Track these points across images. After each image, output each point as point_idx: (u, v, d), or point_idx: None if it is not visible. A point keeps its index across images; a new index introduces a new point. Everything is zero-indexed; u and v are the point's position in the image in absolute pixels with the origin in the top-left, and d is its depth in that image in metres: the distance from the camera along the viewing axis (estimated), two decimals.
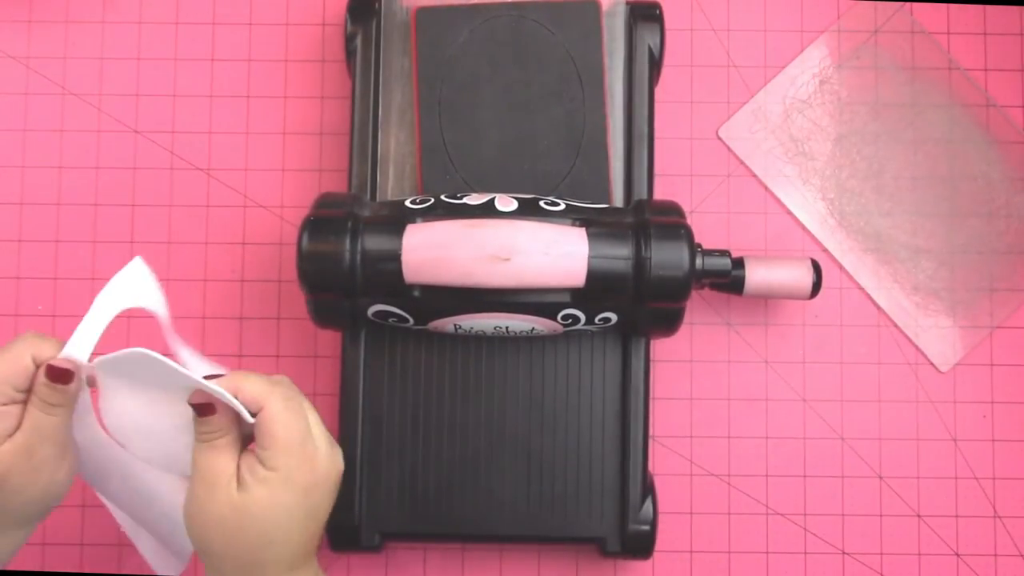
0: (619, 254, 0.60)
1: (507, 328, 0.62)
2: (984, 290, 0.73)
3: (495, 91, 0.68)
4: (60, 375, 0.52)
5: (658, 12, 0.70)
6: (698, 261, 0.63)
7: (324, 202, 0.63)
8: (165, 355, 0.52)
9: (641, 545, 0.66)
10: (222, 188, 0.74)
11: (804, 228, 0.74)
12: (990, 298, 0.73)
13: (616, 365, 0.67)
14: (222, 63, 0.75)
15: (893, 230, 0.73)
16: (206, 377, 0.53)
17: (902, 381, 0.73)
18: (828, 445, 0.72)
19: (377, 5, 0.70)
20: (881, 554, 0.71)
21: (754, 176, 0.74)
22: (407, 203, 0.62)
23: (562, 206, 0.61)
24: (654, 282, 0.60)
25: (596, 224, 0.60)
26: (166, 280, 0.72)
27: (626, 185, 0.68)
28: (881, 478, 0.72)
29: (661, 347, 0.72)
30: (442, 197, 0.62)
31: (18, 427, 0.52)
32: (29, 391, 0.52)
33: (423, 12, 0.69)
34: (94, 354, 0.54)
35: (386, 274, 0.60)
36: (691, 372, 0.73)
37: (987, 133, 0.74)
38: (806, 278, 0.67)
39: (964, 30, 0.75)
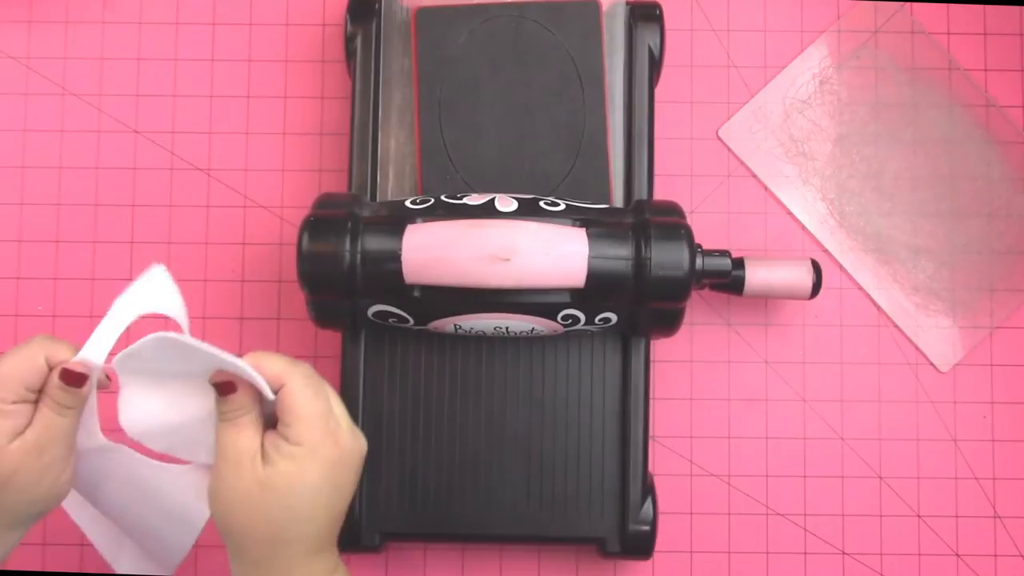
0: (619, 254, 0.60)
1: (507, 328, 0.62)
2: (984, 290, 0.73)
3: (495, 91, 0.68)
4: (75, 379, 0.52)
5: (658, 12, 0.70)
6: (698, 261, 0.63)
7: (324, 202, 0.63)
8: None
9: (641, 545, 0.66)
10: (222, 188, 0.74)
11: (804, 228, 0.74)
12: (990, 298, 0.73)
13: (616, 365, 0.67)
14: (222, 63, 0.75)
15: (893, 230, 0.73)
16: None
17: (902, 381, 0.73)
18: (828, 445, 0.72)
19: (377, 5, 0.70)
20: (881, 554, 0.71)
21: (754, 176, 0.74)
22: (407, 203, 0.62)
23: (562, 206, 0.61)
24: (654, 282, 0.60)
25: (596, 224, 0.60)
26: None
27: (626, 185, 0.68)
28: (881, 478, 0.72)
29: (661, 347, 0.72)
30: (442, 197, 0.62)
31: (28, 426, 0.52)
32: (40, 391, 0.53)
33: (423, 12, 0.69)
34: (109, 356, 0.54)
35: (386, 274, 0.60)
36: (691, 372, 0.73)
37: (987, 133, 0.74)
38: (806, 278, 0.67)
39: (964, 30, 0.75)
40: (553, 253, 0.59)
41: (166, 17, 0.75)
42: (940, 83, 0.75)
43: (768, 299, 0.73)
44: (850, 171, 0.74)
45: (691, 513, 0.72)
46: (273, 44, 0.75)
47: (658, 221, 0.61)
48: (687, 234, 0.61)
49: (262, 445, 0.53)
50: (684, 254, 0.60)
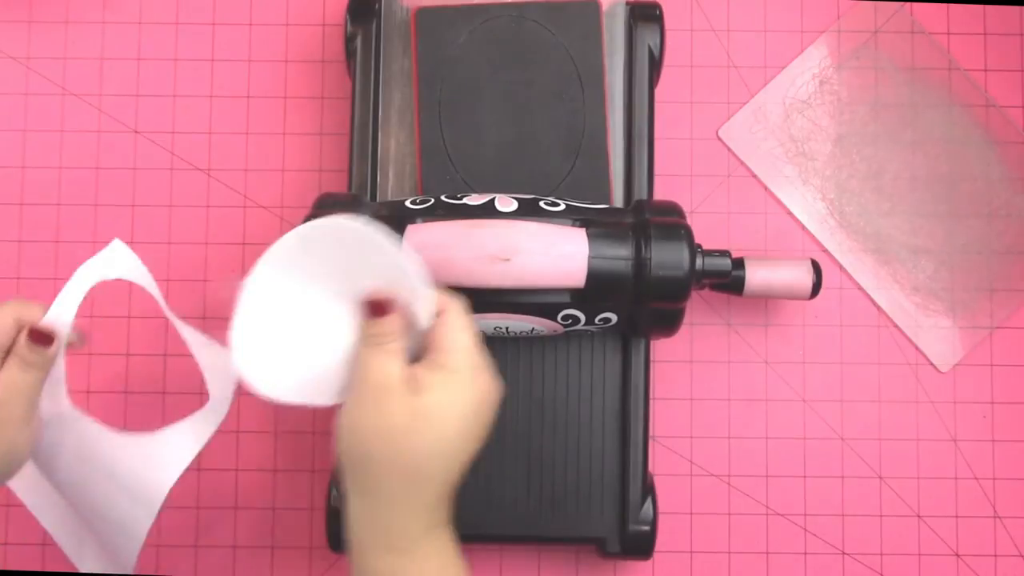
0: (619, 254, 0.60)
1: (507, 328, 0.62)
2: (984, 290, 0.73)
3: (495, 91, 0.68)
4: (42, 338, 0.53)
5: (658, 12, 0.70)
6: (698, 261, 0.63)
7: (324, 202, 0.63)
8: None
9: (641, 545, 0.66)
10: (222, 188, 0.74)
11: (804, 228, 0.74)
12: (990, 298, 0.73)
13: (616, 365, 0.67)
14: (222, 63, 0.75)
15: (893, 230, 0.73)
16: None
17: (902, 381, 0.73)
18: (828, 445, 0.72)
19: (377, 5, 0.70)
20: (881, 554, 0.71)
21: (754, 176, 0.74)
22: (407, 203, 0.62)
23: (562, 206, 0.61)
24: (654, 282, 0.60)
25: (596, 224, 0.60)
26: (166, 280, 0.72)
27: (626, 185, 0.68)
28: (881, 478, 0.72)
29: (661, 347, 0.72)
30: (442, 197, 0.62)
31: None
32: (7, 352, 0.54)
33: (423, 12, 0.69)
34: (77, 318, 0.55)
35: None
36: (691, 372, 0.73)
37: (987, 133, 0.74)
38: (806, 278, 0.67)
39: (964, 30, 0.75)
40: (553, 253, 0.59)
41: (166, 17, 0.75)
42: (940, 83, 0.75)
43: (768, 299, 0.73)
44: (850, 171, 0.74)
45: (691, 513, 0.72)
46: (273, 44, 0.75)
47: (658, 221, 0.61)
48: (687, 234, 0.61)
49: (412, 373, 0.50)
50: (684, 254, 0.60)
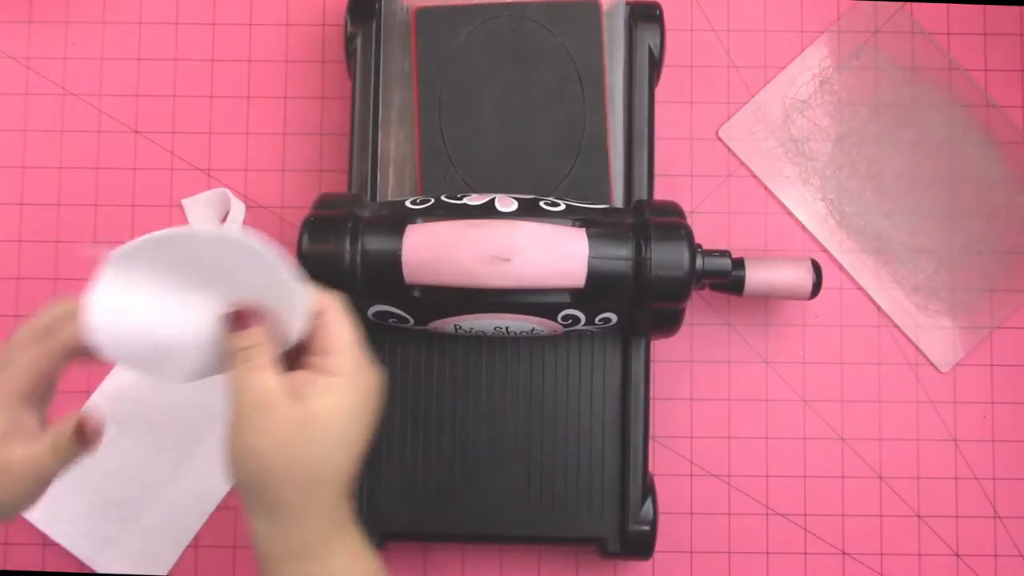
0: (619, 254, 0.60)
1: (507, 328, 0.62)
2: (984, 290, 0.73)
3: (495, 91, 0.68)
4: (88, 435, 0.51)
5: (658, 12, 0.70)
6: (698, 261, 0.63)
7: (324, 202, 0.63)
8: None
9: (641, 545, 0.66)
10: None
11: (804, 228, 0.74)
12: (990, 298, 0.73)
13: (616, 365, 0.67)
14: (222, 63, 0.75)
15: (893, 230, 0.73)
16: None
17: (902, 381, 0.73)
18: (828, 445, 0.72)
19: (377, 5, 0.69)
20: (881, 554, 0.71)
21: (754, 176, 0.74)
22: (407, 203, 0.62)
23: (562, 206, 0.61)
24: (654, 282, 0.60)
25: (596, 224, 0.60)
26: None
27: (626, 185, 0.68)
28: (881, 478, 0.72)
29: (661, 347, 0.72)
30: (442, 197, 0.62)
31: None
32: (44, 334, 0.51)
33: (423, 12, 0.69)
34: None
35: (386, 274, 0.60)
36: (691, 372, 0.73)
37: (987, 133, 0.74)
38: (806, 278, 0.67)
39: (964, 30, 0.75)
40: (553, 253, 0.59)
41: (166, 17, 0.75)
42: (940, 83, 0.75)
43: (768, 299, 0.72)
44: (850, 171, 0.74)
45: (691, 513, 0.72)
46: (273, 44, 0.75)
47: (658, 221, 0.61)
48: (687, 234, 0.61)
49: (290, 383, 0.49)
50: (684, 254, 0.60)
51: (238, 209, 0.71)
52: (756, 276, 0.67)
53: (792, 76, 0.75)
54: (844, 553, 0.71)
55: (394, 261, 0.59)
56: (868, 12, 0.75)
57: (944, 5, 0.75)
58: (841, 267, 0.73)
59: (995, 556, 0.71)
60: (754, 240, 0.73)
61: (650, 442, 0.67)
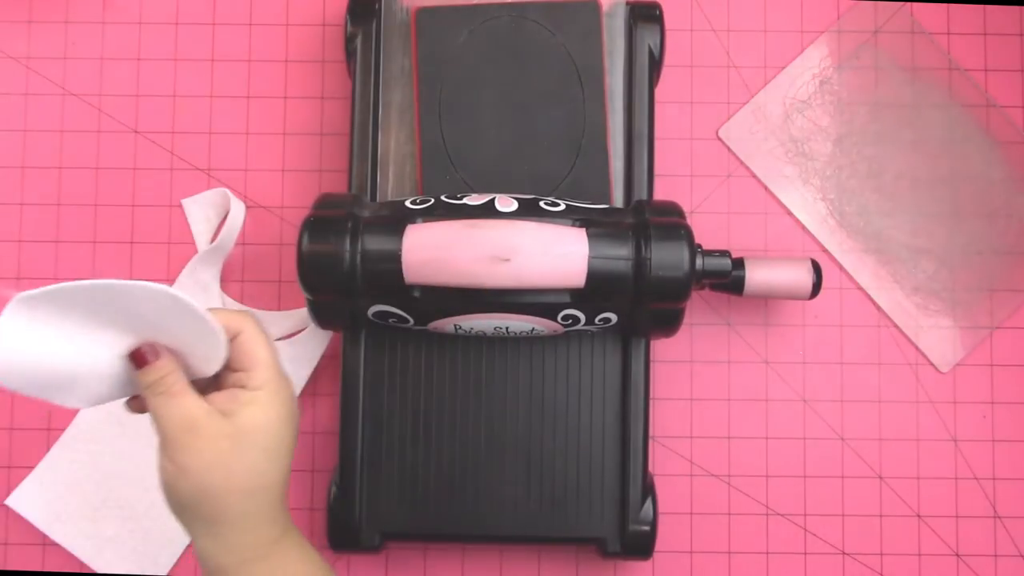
0: (619, 255, 0.60)
1: (507, 328, 0.62)
2: (984, 290, 0.73)
3: (495, 91, 0.68)
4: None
5: (658, 12, 0.70)
6: (698, 261, 0.63)
7: (324, 202, 0.63)
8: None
9: (641, 545, 0.66)
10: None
11: (804, 228, 0.74)
12: (990, 298, 0.73)
13: (616, 365, 0.67)
14: (222, 63, 0.75)
15: (893, 230, 0.73)
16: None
17: (902, 381, 0.73)
18: (828, 445, 0.72)
19: (377, 5, 0.69)
20: (881, 554, 0.71)
21: (754, 176, 0.74)
22: (407, 203, 0.62)
23: (562, 206, 0.61)
24: (654, 282, 0.60)
25: (596, 224, 0.60)
26: (167, 281, 0.72)
27: (626, 185, 0.68)
28: (881, 478, 0.72)
29: (661, 347, 0.72)
30: (442, 197, 0.62)
31: None
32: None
33: (423, 12, 0.69)
34: None
35: (386, 275, 0.60)
36: (691, 372, 0.73)
37: (987, 133, 0.74)
38: (806, 278, 0.67)
39: (964, 30, 0.75)
40: (553, 253, 0.59)
41: (166, 17, 0.75)
42: (940, 83, 0.75)
43: (768, 299, 0.72)
44: (850, 171, 0.74)
45: (691, 513, 0.72)
46: (273, 44, 0.75)
47: (658, 221, 0.61)
48: (687, 234, 0.61)
49: (213, 403, 0.51)
50: (684, 254, 0.60)
51: (238, 209, 0.71)
52: (756, 276, 0.67)
53: (792, 76, 0.75)
54: (844, 553, 0.71)
55: (394, 261, 0.59)
56: (868, 12, 0.75)
57: (944, 5, 0.75)
58: (841, 267, 0.73)
59: (995, 556, 0.71)
60: (754, 240, 0.73)
61: (650, 442, 0.67)
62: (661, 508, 0.69)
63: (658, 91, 0.71)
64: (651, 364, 0.68)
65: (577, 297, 0.60)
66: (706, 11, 0.75)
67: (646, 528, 0.66)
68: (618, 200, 0.68)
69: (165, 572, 0.70)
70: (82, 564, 0.70)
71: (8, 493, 0.71)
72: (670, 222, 0.61)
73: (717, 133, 0.74)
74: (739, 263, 0.67)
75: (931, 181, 0.74)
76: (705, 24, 0.75)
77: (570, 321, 0.62)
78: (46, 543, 0.71)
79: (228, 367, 0.52)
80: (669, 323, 0.63)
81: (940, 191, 0.74)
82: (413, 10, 0.69)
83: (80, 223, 0.74)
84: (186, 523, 0.52)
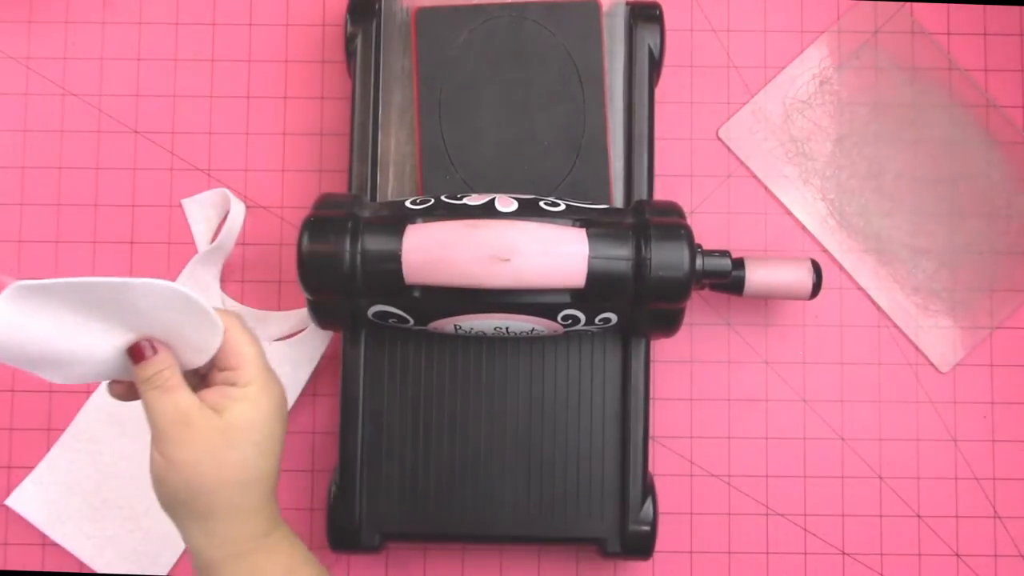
0: (619, 255, 0.60)
1: (507, 328, 0.62)
2: (984, 290, 0.73)
3: (495, 91, 0.68)
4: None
5: (658, 12, 0.70)
6: (698, 262, 0.63)
7: (324, 202, 0.63)
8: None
9: (641, 545, 0.66)
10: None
11: (804, 228, 0.74)
12: (990, 298, 0.73)
13: (616, 365, 0.67)
14: (222, 63, 0.75)
15: (893, 230, 0.73)
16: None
17: (902, 381, 0.73)
18: (828, 445, 0.72)
19: (377, 5, 0.69)
20: (881, 554, 0.71)
21: (754, 176, 0.74)
22: (407, 203, 0.62)
23: (562, 207, 0.61)
24: (654, 283, 0.60)
25: (596, 225, 0.60)
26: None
27: (626, 185, 0.68)
28: (881, 478, 0.72)
29: (661, 347, 0.72)
30: (442, 197, 0.62)
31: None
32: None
33: (423, 12, 0.69)
34: None
35: (386, 275, 0.60)
36: (691, 372, 0.73)
37: (987, 133, 0.74)
38: (806, 278, 0.67)
39: (964, 30, 0.75)
40: (553, 253, 0.58)
41: (166, 17, 0.75)
42: (940, 83, 0.75)
43: (768, 299, 0.72)
44: (850, 171, 0.74)
45: (691, 513, 0.72)
46: (273, 44, 0.75)
47: (658, 221, 0.61)
48: (687, 234, 0.61)
49: (204, 399, 0.52)
50: (684, 254, 0.60)
51: (238, 209, 0.71)
52: (756, 276, 0.67)
53: (792, 76, 0.75)
54: (844, 553, 0.71)
55: (394, 261, 0.59)
56: (868, 12, 0.75)
57: (944, 5, 0.75)
58: (841, 267, 0.73)
59: (995, 556, 0.71)
60: (754, 240, 0.73)
61: (650, 442, 0.67)
62: (661, 508, 0.69)
63: (658, 91, 0.71)
64: (651, 364, 0.68)
65: (577, 297, 0.60)
66: (706, 11, 0.75)
67: (646, 528, 0.66)
68: (618, 200, 0.68)
69: (165, 572, 0.70)
70: (82, 564, 0.70)
71: (8, 493, 0.71)
72: (670, 222, 0.61)
73: (717, 133, 0.74)
74: (739, 263, 0.67)
75: (931, 181, 0.74)
76: (705, 24, 0.75)
77: (570, 321, 0.62)
78: (46, 543, 0.71)
79: (216, 366, 0.53)
80: (669, 323, 0.63)
81: (940, 191, 0.74)
82: (413, 10, 0.69)
83: (80, 223, 0.74)
84: (177, 518, 0.53)
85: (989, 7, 0.75)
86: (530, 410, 0.67)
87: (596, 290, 0.60)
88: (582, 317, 0.62)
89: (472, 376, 0.67)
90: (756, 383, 0.73)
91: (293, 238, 0.64)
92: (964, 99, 0.75)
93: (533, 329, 0.62)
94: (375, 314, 0.62)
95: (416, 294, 0.60)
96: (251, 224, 0.73)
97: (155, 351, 0.51)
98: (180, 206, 0.74)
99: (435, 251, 0.59)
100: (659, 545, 0.68)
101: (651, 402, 0.68)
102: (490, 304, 0.60)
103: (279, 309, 0.73)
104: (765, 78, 0.75)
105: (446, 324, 0.62)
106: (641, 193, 0.68)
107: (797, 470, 0.72)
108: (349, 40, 0.69)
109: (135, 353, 0.51)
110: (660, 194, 0.71)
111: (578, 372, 0.67)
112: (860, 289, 0.73)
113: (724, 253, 0.66)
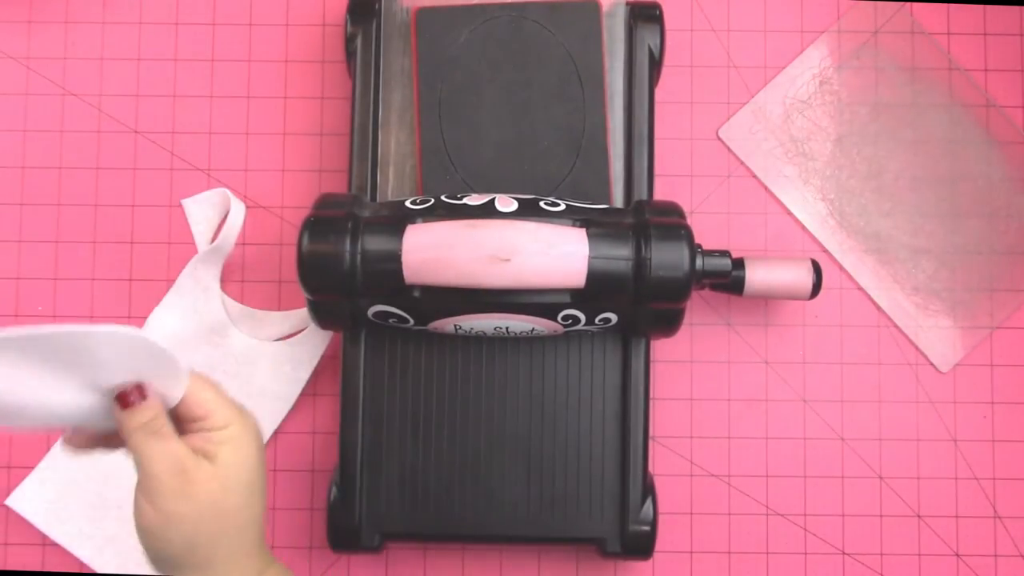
0: (619, 255, 0.60)
1: (507, 328, 0.62)
2: (984, 290, 0.73)
3: (495, 91, 0.68)
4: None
5: (658, 12, 0.70)
6: (698, 262, 0.63)
7: (324, 202, 0.63)
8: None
9: (641, 545, 0.66)
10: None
11: (804, 228, 0.74)
12: (990, 298, 0.73)
13: (616, 365, 0.67)
14: (222, 63, 0.75)
15: (893, 230, 0.73)
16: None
17: (902, 381, 0.73)
18: (828, 445, 0.72)
19: (377, 5, 0.70)
20: (881, 554, 0.71)
21: (754, 176, 0.74)
22: (407, 203, 0.62)
23: (562, 207, 0.61)
24: (654, 283, 0.60)
25: (596, 225, 0.60)
26: (167, 281, 0.72)
27: (626, 185, 0.68)
28: (881, 478, 0.72)
29: (661, 347, 0.72)
30: (442, 197, 0.62)
31: None
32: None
33: (423, 12, 0.69)
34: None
35: (386, 275, 0.60)
36: (691, 372, 0.73)
37: (987, 133, 0.74)
38: (806, 278, 0.67)
39: (964, 30, 0.75)
40: (553, 253, 0.59)
41: (166, 17, 0.75)
42: (940, 83, 0.75)
43: (768, 299, 0.72)
44: (850, 171, 0.74)
45: (691, 513, 0.72)
46: (273, 44, 0.75)
47: (658, 221, 0.61)
48: (687, 234, 0.61)
49: (190, 447, 0.50)
50: (684, 254, 0.60)
51: (238, 209, 0.71)
52: (756, 276, 0.67)
53: (792, 76, 0.75)
54: (844, 553, 0.71)
55: (394, 261, 0.59)
56: (868, 12, 0.75)
57: (944, 5, 0.75)
58: (841, 267, 0.73)
59: (995, 556, 0.71)
60: (754, 240, 0.73)
61: (650, 442, 0.67)
62: (661, 508, 0.69)
63: (658, 91, 0.71)
64: (651, 364, 0.68)
65: (577, 297, 0.60)
66: (706, 11, 0.75)
67: (646, 528, 0.66)
68: (618, 200, 0.68)
69: None
70: (82, 564, 0.70)
71: (8, 493, 0.71)
72: (670, 222, 0.61)
73: (717, 133, 0.74)
74: (739, 263, 0.67)
75: (931, 181, 0.74)
76: (705, 24, 0.75)
77: (570, 321, 0.62)
78: (46, 543, 0.71)
79: (185, 418, 0.50)
80: (669, 323, 0.63)
81: (940, 191, 0.74)
82: (413, 10, 0.69)
83: (80, 223, 0.74)
84: (170, 571, 0.50)
85: (989, 7, 0.75)
86: (530, 410, 0.67)
87: (596, 290, 0.60)
88: (582, 317, 0.62)
89: (472, 376, 0.67)
90: (756, 383, 0.73)
91: (293, 238, 0.64)
92: (964, 99, 0.75)
93: (533, 329, 0.62)
94: (375, 314, 0.62)
95: (416, 294, 0.60)
96: (251, 224, 0.73)
97: (143, 396, 0.48)
98: (180, 206, 0.74)
99: (435, 251, 0.59)
100: (659, 545, 0.68)
101: (651, 402, 0.68)
102: (490, 304, 0.60)
103: (279, 309, 0.73)
104: (765, 78, 0.75)
105: (446, 324, 0.62)
106: (641, 193, 0.68)
107: (797, 470, 0.72)
108: (349, 40, 0.69)
109: (123, 399, 0.48)
110: (660, 194, 0.71)
111: (578, 372, 0.67)
112: (860, 289, 0.73)
113: (724, 253, 0.66)
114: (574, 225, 0.60)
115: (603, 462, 0.67)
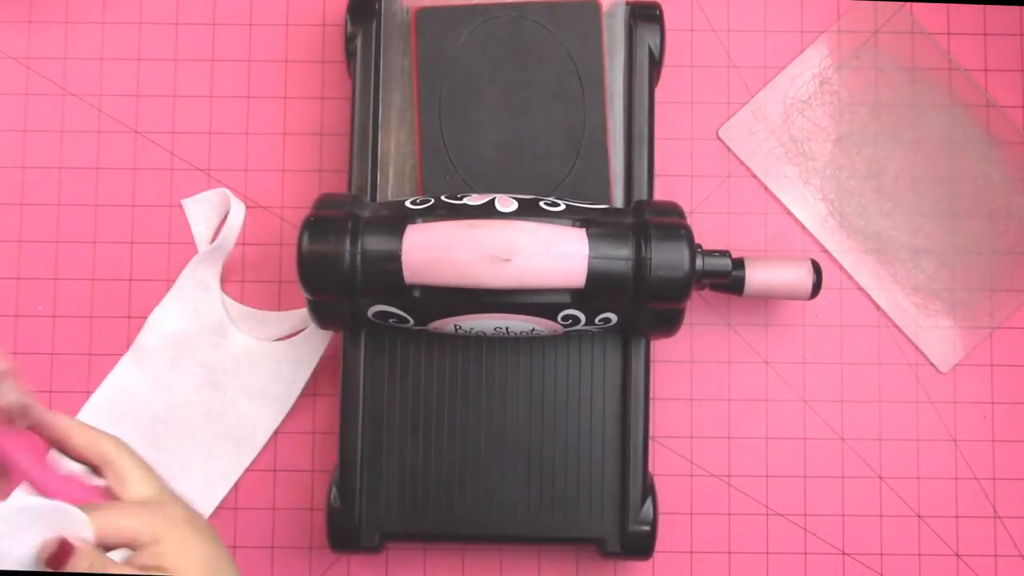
0: (619, 255, 0.60)
1: (507, 328, 0.62)
2: (984, 290, 0.73)
3: (495, 91, 0.68)
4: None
5: (658, 12, 0.70)
6: (698, 262, 0.63)
7: (324, 202, 0.63)
8: None
9: (641, 545, 0.66)
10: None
11: (804, 228, 0.74)
12: (990, 298, 0.73)
13: (616, 365, 0.67)
14: (222, 63, 0.75)
15: (893, 230, 0.73)
16: None
17: (902, 381, 0.73)
18: (828, 445, 0.72)
19: (377, 5, 0.70)
20: (881, 554, 0.71)
21: (754, 176, 0.74)
22: (407, 203, 0.62)
23: (562, 207, 0.61)
24: (654, 283, 0.60)
25: (596, 225, 0.60)
26: (167, 281, 0.72)
27: (626, 185, 0.68)
28: (881, 478, 0.72)
29: (661, 347, 0.72)
30: (442, 197, 0.62)
31: None
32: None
33: (423, 12, 0.69)
34: None
35: (386, 275, 0.60)
36: (691, 372, 0.73)
37: (987, 133, 0.74)
38: (806, 278, 0.67)
39: (964, 30, 0.75)
40: (553, 253, 0.59)
41: (166, 17, 0.75)
42: (940, 83, 0.75)
43: (768, 299, 0.72)
44: (850, 171, 0.74)
45: (691, 513, 0.72)
46: (273, 44, 0.75)
47: (658, 221, 0.61)
48: (687, 234, 0.61)
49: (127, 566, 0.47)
50: (684, 254, 0.60)
51: (238, 209, 0.71)
52: (756, 276, 0.67)
53: (792, 76, 0.75)
54: (844, 553, 0.71)
55: (394, 261, 0.59)
56: (868, 12, 0.75)
57: (944, 5, 0.75)
58: (841, 267, 0.73)
59: (995, 556, 0.71)
60: (754, 240, 0.73)
61: (650, 442, 0.67)
62: (661, 508, 0.69)
63: (658, 91, 0.71)
64: (651, 364, 0.68)
65: (577, 297, 0.60)
66: (706, 11, 0.75)
67: (646, 528, 0.66)
68: (618, 200, 0.68)
69: None
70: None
71: None
72: (670, 222, 0.61)
73: (717, 133, 0.75)
74: (739, 263, 0.67)
75: (931, 181, 0.74)
76: (705, 24, 0.75)
77: (570, 321, 0.62)
78: None
79: (116, 547, 0.48)
80: (669, 323, 0.63)
81: (940, 191, 0.74)
82: (413, 10, 0.69)
83: (80, 223, 0.74)
84: None
85: (989, 7, 0.75)
86: (530, 410, 0.67)
87: (596, 290, 0.60)
88: (582, 317, 0.62)
89: (472, 376, 0.67)
90: (756, 383, 0.73)
91: (293, 238, 0.64)
92: (964, 99, 0.75)
93: (533, 329, 0.62)
94: (375, 314, 0.62)
95: (416, 294, 0.60)
96: (251, 224, 0.73)
97: (72, 545, 0.45)
98: (180, 206, 0.74)
99: (435, 251, 0.59)
100: (659, 545, 0.68)
101: (651, 402, 0.68)
102: (490, 304, 0.60)
103: (279, 309, 0.73)
104: (765, 78, 0.75)
105: (446, 324, 0.62)
106: (641, 193, 0.68)
107: (797, 470, 0.72)
108: (349, 40, 0.69)
109: (52, 563, 0.45)
110: (660, 194, 0.71)
111: (578, 372, 0.67)
112: (860, 289, 0.73)
113: (724, 253, 0.66)
114: (574, 225, 0.60)
115: (603, 462, 0.67)
